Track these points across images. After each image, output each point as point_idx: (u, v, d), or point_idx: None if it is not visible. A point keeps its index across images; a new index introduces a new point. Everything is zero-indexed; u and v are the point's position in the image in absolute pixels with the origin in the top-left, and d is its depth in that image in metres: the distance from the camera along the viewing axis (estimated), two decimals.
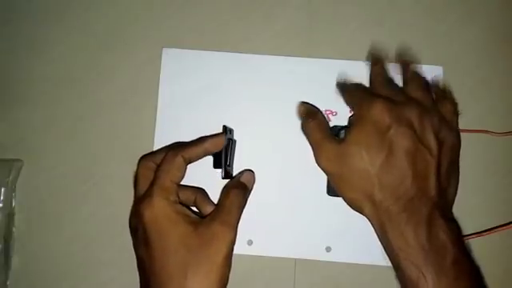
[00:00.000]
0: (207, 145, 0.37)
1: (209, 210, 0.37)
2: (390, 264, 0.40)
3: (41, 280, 0.41)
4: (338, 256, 0.41)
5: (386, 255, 0.33)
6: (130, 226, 0.35)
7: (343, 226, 0.41)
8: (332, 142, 0.35)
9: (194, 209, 0.38)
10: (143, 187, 0.34)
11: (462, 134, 0.36)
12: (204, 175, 0.41)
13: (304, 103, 0.41)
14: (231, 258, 0.32)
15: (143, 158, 0.37)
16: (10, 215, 0.41)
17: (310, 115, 0.37)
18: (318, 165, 0.36)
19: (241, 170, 0.41)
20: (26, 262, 0.41)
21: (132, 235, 0.35)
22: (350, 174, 0.33)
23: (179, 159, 0.34)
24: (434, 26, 0.43)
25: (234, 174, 0.41)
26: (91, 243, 0.41)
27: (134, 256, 0.40)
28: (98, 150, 0.42)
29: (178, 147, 0.35)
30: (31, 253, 0.41)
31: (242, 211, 0.35)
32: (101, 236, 0.41)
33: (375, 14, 0.44)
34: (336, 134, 0.40)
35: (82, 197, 0.42)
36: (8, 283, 0.41)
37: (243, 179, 0.38)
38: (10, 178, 0.41)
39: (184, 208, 0.33)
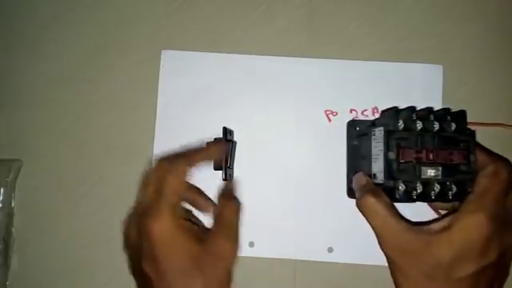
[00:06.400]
0: (211, 151, 0.37)
1: (208, 208, 0.37)
2: None
3: (40, 280, 0.41)
4: (340, 257, 0.40)
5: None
6: (128, 237, 0.33)
7: (345, 226, 0.40)
8: (408, 229, 0.30)
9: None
10: (151, 195, 0.32)
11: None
12: (204, 176, 0.40)
13: (363, 176, 0.34)
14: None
15: (164, 160, 0.34)
16: (9, 215, 0.41)
17: (372, 192, 0.32)
18: (383, 251, 0.32)
19: (241, 170, 0.41)
20: (25, 262, 0.41)
21: (132, 248, 0.32)
22: (427, 271, 0.29)
23: (185, 170, 0.33)
24: (434, 26, 0.43)
25: (234, 176, 0.41)
26: (90, 243, 0.41)
27: None
28: (97, 150, 0.42)
29: (182, 157, 0.34)
30: (30, 253, 0.41)
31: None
32: (100, 236, 0.41)
33: (375, 13, 0.44)
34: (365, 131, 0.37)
35: (81, 197, 0.42)
36: (7, 283, 0.40)
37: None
38: (10, 178, 0.41)
39: (190, 223, 0.33)
